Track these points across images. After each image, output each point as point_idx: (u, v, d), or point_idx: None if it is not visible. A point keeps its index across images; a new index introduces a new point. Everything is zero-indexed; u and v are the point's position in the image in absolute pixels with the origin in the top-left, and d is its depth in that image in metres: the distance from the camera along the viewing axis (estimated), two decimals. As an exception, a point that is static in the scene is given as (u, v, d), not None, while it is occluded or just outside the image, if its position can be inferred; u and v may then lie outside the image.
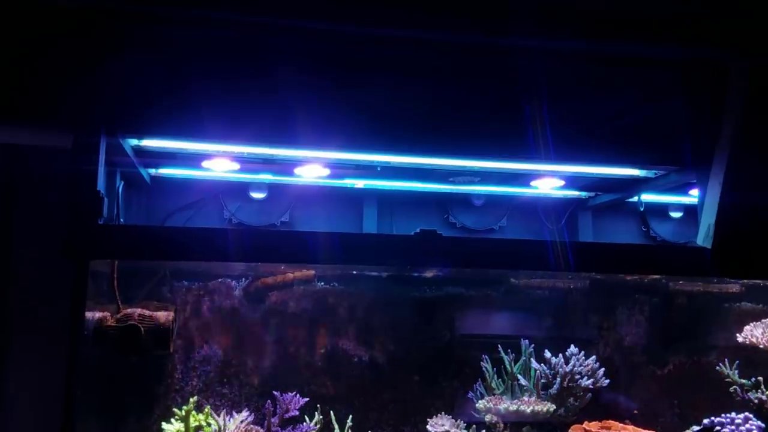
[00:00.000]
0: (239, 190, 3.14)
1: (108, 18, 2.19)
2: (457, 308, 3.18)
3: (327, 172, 2.85)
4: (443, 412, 2.77)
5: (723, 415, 2.72)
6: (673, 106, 2.60)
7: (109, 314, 2.40)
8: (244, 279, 3.03)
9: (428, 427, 2.69)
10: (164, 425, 2.59)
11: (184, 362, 2.90)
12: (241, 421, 2.51)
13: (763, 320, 3.09)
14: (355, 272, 3.07)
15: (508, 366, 2.82)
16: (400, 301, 3.13)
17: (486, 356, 2.88)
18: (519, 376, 2.77)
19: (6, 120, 2.22)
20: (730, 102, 2.34)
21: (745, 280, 3.20)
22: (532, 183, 3.01)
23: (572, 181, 3.04)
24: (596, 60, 2.43)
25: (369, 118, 2.45)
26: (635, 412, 3.09)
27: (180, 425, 2.51)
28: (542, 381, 2.72)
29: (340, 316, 3.07)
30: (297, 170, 2.84)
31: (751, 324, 3.08)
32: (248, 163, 2.78)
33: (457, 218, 3.38)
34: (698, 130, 2.55)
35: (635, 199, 3.15)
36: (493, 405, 2.63)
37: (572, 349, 2.80)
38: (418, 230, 2.38)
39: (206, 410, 2.57)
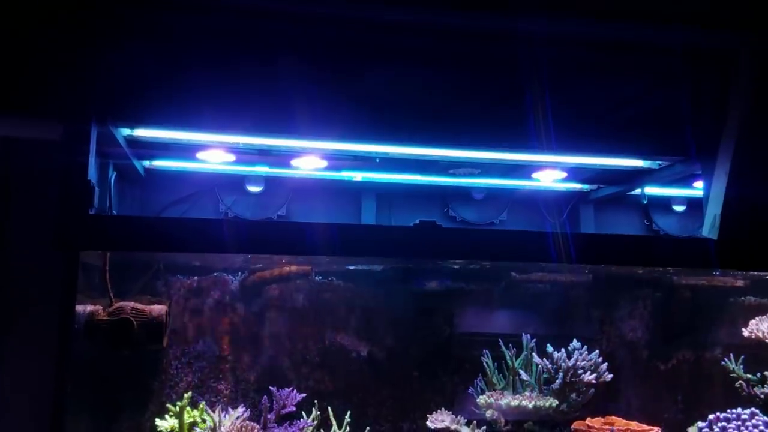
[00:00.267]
0: (235, 183, 3.09)
1: (99, 3, 2.14)
2: (458, 303, 3.13)
3: (324, 163, 2.79)
4: (443, 408, 2.72)
5: (729, 410, 2.67)
6: (678, 95, 2.55)
7: (101, 308, 2.35)
8: (240, 273, 2.98)
9: (428, 423, 2.64)
10: (158, 421, 2.54)
11: (179, 357, 2.85)
12: (237, 417, 2.46)
13: (769, 314, 3.05)
14: (353, 266, 3.02)
15: (509, 361, 2.77)
16: (399, 295, 3.08)
17: (487, 351, 2.84)
18: (520, 371, 2.72)
19: (-4, 111, 2.17)
20: (738, 88, 2.29)
21: (751, 274, 3.15)
22: (534, 175, 2.96)
23: (574, 173, 2.99)
24: (600, 46, 2.38)
25: (368, 107, 2.41)
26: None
27: (174, 421, 2.46)
28: (544, 376, 2.67)
29: (338, 311, 3.02)
30: (294, 162, 2.78)
31: (757, 318, 3.03)
32: (244, 154, 2.73)
33: (456, 212, 3.33)
34: (704, 120, 2.50)
35: (638, 191, 3.11)
36: (494, 400, 2.58)
37: (575, 343, 2.75)
38: (417, 221, 2.34)
39: (201, 406, 2.52)
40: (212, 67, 2.35)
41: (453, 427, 2.53)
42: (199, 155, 2.70)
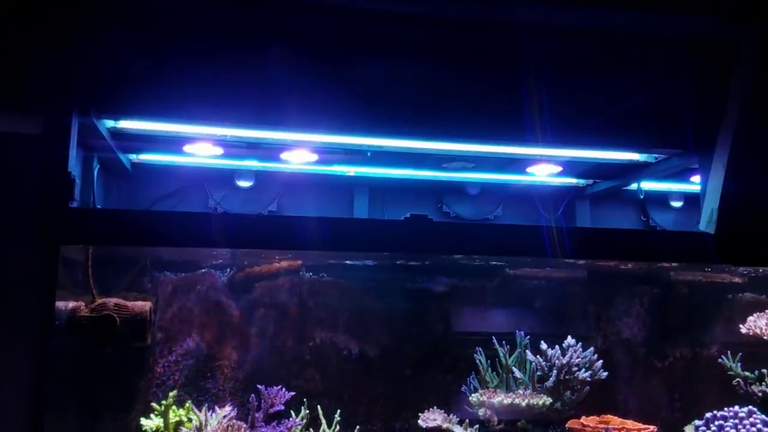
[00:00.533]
0: (225, 178, 3.04)
1: (81, -11, 2.08)
2: (451, 299, 3.08)
3: (315, 157, 2.74)
4: (435, 407, 2.66)
5: (726, 408, 2.62)
6: (675, 88, 2.51)
7: (83, 304, 2.29)
8: (229, 269, 2.92)
9: (419, 421, 2.58)
10: (143, 420, 2.48)
11: (166, 355, 2.79)
12: (224, 417, 2.40)
13: (767, 311, 3.00)
14: (344, 262, 2.97)
15: (502, 358, 2.72)
16: (392, 291, 3.02)
17: (480, 348, 2.78)
18: (514, 369, 2.66)
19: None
20: (737, 80, 2.25)
21: (749, 270, 3.10)
22: (529, 169, 2.91)
23: (569, 168, 2.95)
24: (597, 37, 2.33)
25: (359, 99, 2.37)
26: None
27: (159, 420, 2.40)
28: (538, 374, 2.62)
29: (328, 308, 2.97)
30: (284, 155, 2.73)
31: (755, 315, 2.99)
32: (233, 148, 2.68)
33: (451, 208, 3.29)
34: (701, 113, 2.46)
35: (634, 186, 3.07)
36: (486, 399, 2.53)
37: (569, 340, 2.70)
38: (408, 215, 2.28)
39: (187, 405, 2.46)
40: (199, 57, 2.30)
41: (445, 426, 2.48)
42: (186, 148, 2.65)
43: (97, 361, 2.59)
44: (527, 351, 2.72)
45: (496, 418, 2.54)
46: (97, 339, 2.21)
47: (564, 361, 2.58)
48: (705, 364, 3.19)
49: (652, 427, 2.65)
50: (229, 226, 2.21)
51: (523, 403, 2.45)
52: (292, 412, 2.60)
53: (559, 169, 2.91)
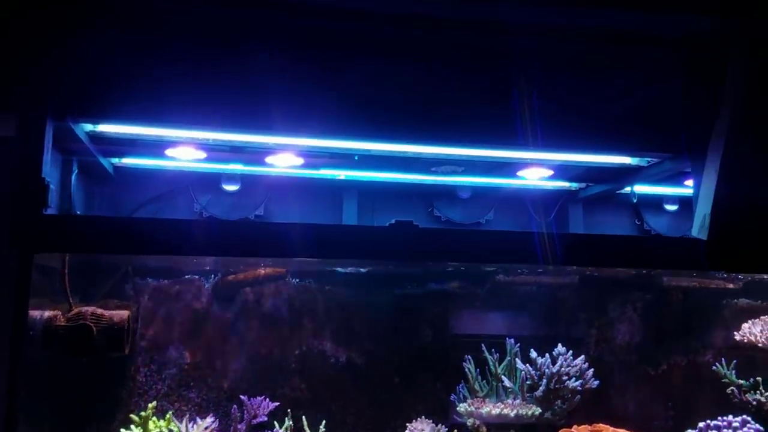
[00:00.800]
0: (211, 181, 2.98)
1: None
2: (440, 306, 3.03)
3: (300, 161, 2.69)
4: (424, 416, 2.61)
5: (720, 417, 2.58)
6: (667, 90, 2.47)
7: (60, 313, 2.23)
8: (213, 276, 2.86)
9: (407, 432, 2.53)
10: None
11: (149, 364, 2.73)
12: (206, 428, 2.34)
13: (762, 317, 2.95)
14: (330, 268, 2.91)
15: (492, 367, 2.66)
16: (380, 298, 2.97)
17: (469, 356, 2.73)
18: (503, 378, 2.61)
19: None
20: (729, 81, 2.19)
21: (744, 275, 3.05)
22: (520, 173, 2.86)
23: (562, 171, 2.90)
24: (588, 38, 2.28)
25: (347, 102, 2.31)
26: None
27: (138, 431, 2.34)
28: (528, 383, 2.56)
29: (315, 315, 2.91)
30: (269, 159, 2.67)
31: (750, 321, 2.94)
32: (217, 151, 2.63)
33: (441, 211, 3.23)
34: (694, 116, 2.41)
35: (628, 190, 3.02)
36: (475, 408, 2.47)
37: (559, 348, 2.65)
38: (392, 221, 2.23)
39: (168, 416, 2.40)
40: (181, 59, 2.25)
41: (433, 436, 2.43)
42: (169, 152, 2.59)
43: (77, 370, 2.54)
44: (517, 359, 2.66)
45: (484, 429, 2.49)
46: (73, 349, 2.16)
47: (554, 370, 2.53)
48: (699, 371, 3.14)
49: (644, 437, 2.60)
50: (211, 232, 2.15)
51: (512, 414, 2.40)
52: (275, 423, 2.54)
53: (551, 172, 2.86)
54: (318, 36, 2.29)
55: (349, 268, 2.93)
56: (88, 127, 2.31)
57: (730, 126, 2.24)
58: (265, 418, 2.47)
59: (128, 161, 2.78)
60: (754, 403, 2.74)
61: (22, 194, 1.96)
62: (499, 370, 2.65)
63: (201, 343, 2.80)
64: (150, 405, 2.35)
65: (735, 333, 2.96)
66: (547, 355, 2.63)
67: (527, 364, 2.61)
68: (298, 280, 2.92)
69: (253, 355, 2.83)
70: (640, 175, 2.78)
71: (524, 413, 2.41)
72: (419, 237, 2.21)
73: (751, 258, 2.31)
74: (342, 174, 2.93)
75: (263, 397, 2.51)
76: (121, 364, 2.67)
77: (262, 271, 2.85)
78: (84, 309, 2.22)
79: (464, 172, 2.92)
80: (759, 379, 2.81)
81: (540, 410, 2.48)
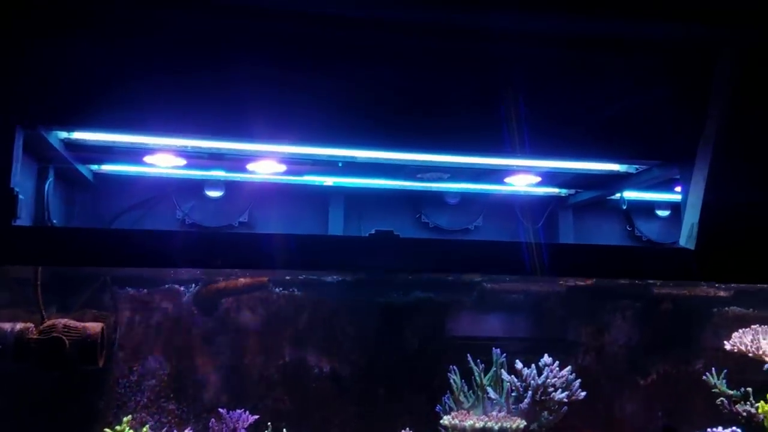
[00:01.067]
0: (194, 188, 2.93)
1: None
2: (427, 314, 2.98)
3: (283, 168, 2.64)
4: (408, 428, 2.56)
5: (709, 429, 2.52)
6: (656, 97, 2.42)
7: (32, 325, 2.18)
8: (194, 285, 2.81)
9: (390, 445, 2.48)
10: (98, 446, 2.37)
11: (128, 375, 2.68)
12: (184, 441, 2.30)
13: (752, 326, 2.90)
14: (314, 276, 2.86)
15: (477, 377, 2.61)
16: (365, 307, 2.93)
17: (454, 367, 2.68)
18: (489, 389, 2.56)
19: None
20: (717, 88, 2.15)
21: (732, 284, 3.01)
22: (507, 179, 2.82)
23: (550, 178, 2.86)
24: (576, 45, 2.24)
25: (331, 109, 2.26)
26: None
27: (114, 446, 2.29)
28: (513, 394, 2.51)
29: (298, 325, 2.87)
30: (250, 166, 2.63)
31: (740, 330, 2.89)
32: (198, 158, 2.58)
33: (429, 218, 3.18)
34: (682, 123, 2.37)
35: (618, 196, 2.97)
36: (458, 421, 2.43)
37: (546, 359, 2.60)
38: (373, 231, 2.18)
39: (144, 429, 2.35)
40: (159, 66, 2.19)
41: (416, 450, 2.37)
42: (147, 159, 2.54)
43: (53, 383, 2.49)
44: (503, 370, 2.61)
45: (469, 441, 2.44)
46: (45, 362, 2.11)
47: (539, 382, 2.48)
48: (689, 380, 3.10)
49: (632, 449, 2.56)
50: (190, 243, 2.11)
51: (496, 427, 2.35)
52: (256, 435, 2.50)
53: (538, 179, 2.82)
54: (301, 43, 2.24)
55: (334, 277, 2.88)
56: (63, 134, 2.26)
57: (717, 133, 2.20)
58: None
59: (108, 168, 2.73)
60: (744, 414, 2.70)
61: (-10, 205, 1.92)
62: (484, 381, 2.60)
63: (181, 353, 2.75)
64: (125, 419, 2.30)
65: (725, 342, 2.91)
66: (533, 366, 2.58)
67: (512, 376, 2.56)
68: (280, 288, 2.87)
69: (235, 365, 2.79)
70: (630, 182, 2.74)
71: (509, 426, 2.36)
72: (400, 247, 2.16)
73: (739, 267, 2.27)
74: (329, 180, 2.88)
75: (243, 410, 2.45)
76: (100, 375, 2.62)
77: (243, 280, 2.80)
78: (57, 321, 2.17)
79: (451, 179, 2.87)
80: (749, 389, 2.76)
81: (525, 423, 2.43)
